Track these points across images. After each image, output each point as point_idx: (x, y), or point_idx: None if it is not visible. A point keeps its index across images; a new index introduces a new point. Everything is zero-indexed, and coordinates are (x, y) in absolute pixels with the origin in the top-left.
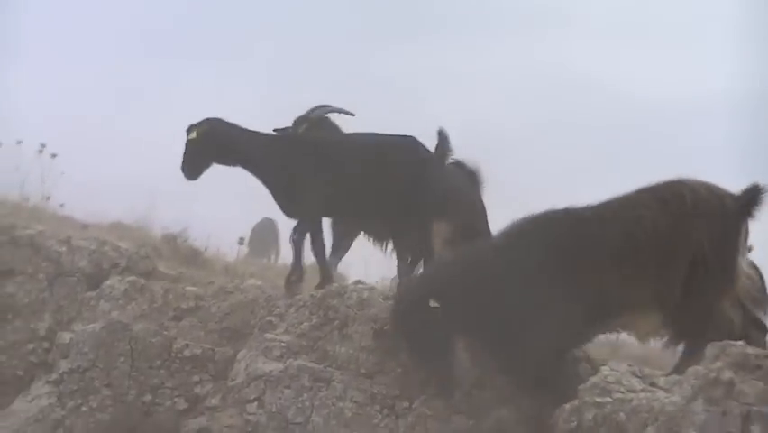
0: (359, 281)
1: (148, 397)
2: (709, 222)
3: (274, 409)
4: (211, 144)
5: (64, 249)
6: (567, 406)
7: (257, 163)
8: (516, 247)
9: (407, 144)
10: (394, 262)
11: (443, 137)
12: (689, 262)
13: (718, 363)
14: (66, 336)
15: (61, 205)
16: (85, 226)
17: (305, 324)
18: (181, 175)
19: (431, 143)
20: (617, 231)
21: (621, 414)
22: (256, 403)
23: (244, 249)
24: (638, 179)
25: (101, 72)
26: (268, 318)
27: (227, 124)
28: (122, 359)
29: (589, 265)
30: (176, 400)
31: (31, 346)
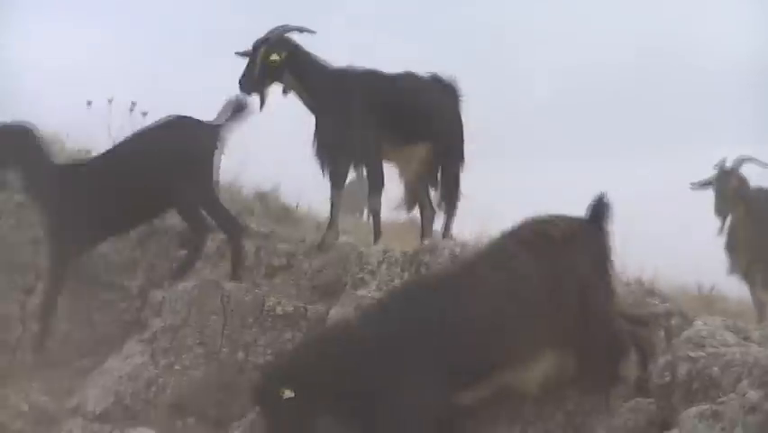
0: (451, 237)
1: (240, 355)
2: (581, 249)
3: None
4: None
5: None
6: (661, 360)
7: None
8: (385, 320)
9: (164, 134)
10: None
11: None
12: (576, 294)
13: None
14: (158, 295)
15: None
16: None
17: (396, 280)
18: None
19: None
20: (495, 290)
21: (715, 368)
22: None
23: None
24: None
25: (190, 28)
26: (359, 275)
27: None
28: (214, 317)
29: (471, 330)
30: (268, 357)
31: (123, 305)
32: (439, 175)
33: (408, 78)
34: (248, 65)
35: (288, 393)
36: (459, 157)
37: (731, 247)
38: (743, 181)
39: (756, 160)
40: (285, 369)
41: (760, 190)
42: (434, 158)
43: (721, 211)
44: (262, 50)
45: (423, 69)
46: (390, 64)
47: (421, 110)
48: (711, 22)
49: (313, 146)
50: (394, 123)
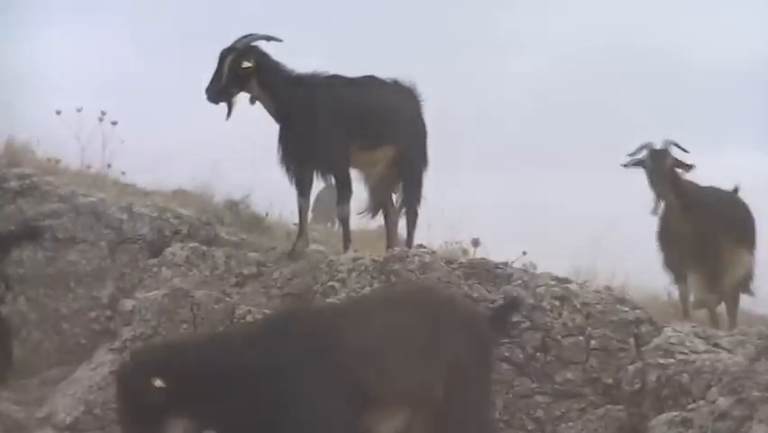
0: (420, 245)
1: None
2: (469, 335)
3: None
4: None
5: (125, 216)
6: (631, 368)
7: None
8: (264, 345)
9: None
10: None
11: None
12: (447, 367)
13: None
14: (128, 304)
15: (123, 173)
16: (146, 194)
17: (366, 288)
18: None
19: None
20: (375, 331)
21: (684, 375)
22: None
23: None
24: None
25: (161, 38)
26: (330, 283)
27: None
28: (184, 326)
29: (346, 363)
30: None
31: (93, 314)
32: (402, 179)
33: (371, 81)
34: (214, 74)
35: (159, 383)
36: (422, 160)
37: (664, 240)
38: (678, 162)
39: (679, 145)
40: (160, 356)
41: (700, 187)
42: (398, 161)
43: (660, 190)
44: (229, 59)
45: (386, 74)
46: (354, 69)
47: (385, 114)
48: (687, 22)
49: (278, 154)
50: (360, 127)
